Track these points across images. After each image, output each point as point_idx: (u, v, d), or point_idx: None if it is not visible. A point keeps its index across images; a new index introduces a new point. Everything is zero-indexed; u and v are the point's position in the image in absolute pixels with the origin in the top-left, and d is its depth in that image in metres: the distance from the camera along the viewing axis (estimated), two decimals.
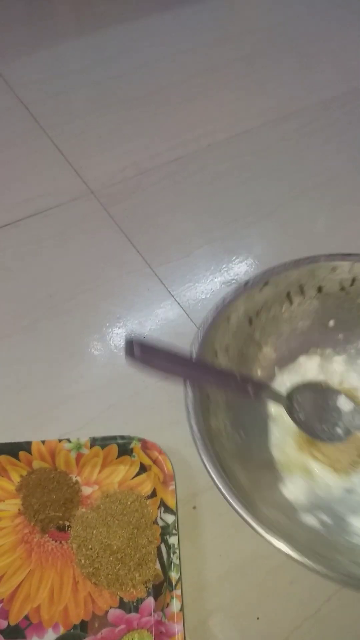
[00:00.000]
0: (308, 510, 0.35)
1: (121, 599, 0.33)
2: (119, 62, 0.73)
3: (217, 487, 0.30)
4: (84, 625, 0.33)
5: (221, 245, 0.54)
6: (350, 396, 0.40)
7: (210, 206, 0.57)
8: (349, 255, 0.40)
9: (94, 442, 0.38)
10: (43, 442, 0.38)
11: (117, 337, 0.47)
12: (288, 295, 0.41)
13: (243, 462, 0.36)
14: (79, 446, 0.38)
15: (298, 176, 0.59)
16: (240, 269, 0.52)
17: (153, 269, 0.52)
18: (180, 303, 0.49)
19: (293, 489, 0.36)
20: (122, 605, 0.33)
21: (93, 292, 0.50)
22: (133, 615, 0.33)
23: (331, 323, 0.43)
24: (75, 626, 0.33)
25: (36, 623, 0.33)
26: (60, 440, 0.38)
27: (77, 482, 0.37)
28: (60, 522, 0.36)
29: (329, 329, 0.43)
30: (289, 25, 0.81)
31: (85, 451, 0.38)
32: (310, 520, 0.34)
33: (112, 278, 0.51)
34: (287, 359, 0.43)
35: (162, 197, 0.58)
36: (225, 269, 0.52)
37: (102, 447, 0.38)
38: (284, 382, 0.41)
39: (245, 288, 0.40)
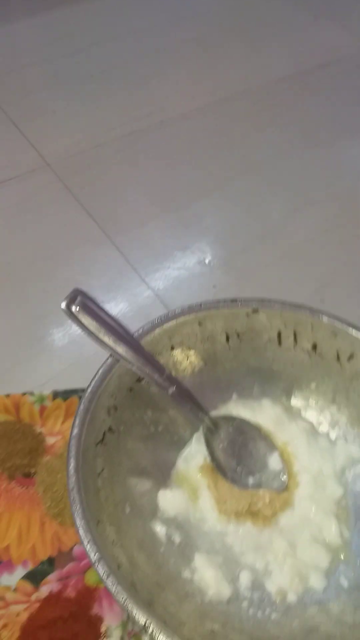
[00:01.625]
0: (166, 522, 0.35)
1: None
2: (72, 41, 0.74)
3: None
4: (51, 561, 0.35)
5: (175, 215, 0.56)
6: (285, 459, 0.38)
7: (164, 179, 0.59)
8: (356, 327, 0.37)
9: (56, 395, 0.40)
10: (7, 395, 0.39)
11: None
12: (279, 335, 0.40)
13: (140, 452, 0.37)
14: (42, 399, 0.40)
15: (246, 152, 0.62)
16: (194, 237, 0.54)
17: (111, 239, 0.53)
18: (138, 270, 0.51)
19: (170, 499, 0.36)
20: None
21: (51, 261, 0.51)
22: None
23: (312, 386, 0.41)
24: (42, 562, 0.35)
25: (6, 561, 0.35)
26: (23, 394, 0.39)
27: (41, 433, 0.39)
28: (27, 469, 0.37)
29: (308, 390, 0.41)
30: (239, 9, 0.83)
31: (48, 404, 0.40)
32: (159, 530, 0.35)
33: (70, 247, 0.52)
34: (249, 394, 0.41)
35: (118, 170, 0.59)
36: (180, 238, 0.54)
37: (64, 399, 0.40)
38: (231, 411, 0.40)
39: (232, 305, 0.39)
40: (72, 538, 0.36)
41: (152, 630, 0.27)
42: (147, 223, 0.55)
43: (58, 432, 0.40)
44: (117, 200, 0.57)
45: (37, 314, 0.48)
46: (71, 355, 0.45)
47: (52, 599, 0.34)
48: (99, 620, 0.33)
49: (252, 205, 0.57)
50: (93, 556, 0.28)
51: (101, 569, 0.28)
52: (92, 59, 0.72)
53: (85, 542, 0.29)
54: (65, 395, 0.41)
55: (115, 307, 0.49)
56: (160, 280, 0.51)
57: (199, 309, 0.39)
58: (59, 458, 0.38)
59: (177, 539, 0.36)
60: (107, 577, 0.28)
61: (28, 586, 0.34)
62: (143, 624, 0.27)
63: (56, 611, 0.33)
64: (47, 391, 0.41)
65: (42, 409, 0.40)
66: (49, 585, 0.34)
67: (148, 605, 0.28)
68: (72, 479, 0.31)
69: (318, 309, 0.39)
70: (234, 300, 0.39)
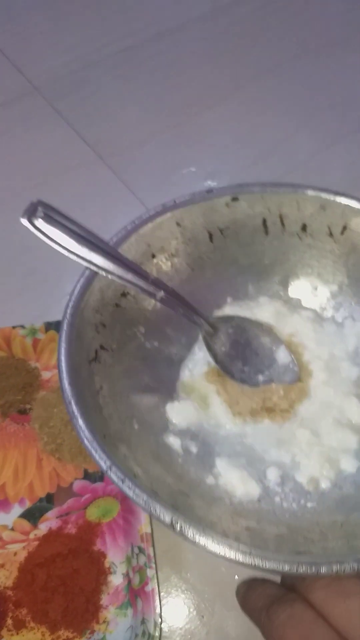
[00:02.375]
0: (179, 434, 0.33)
1: (86, 471, 0.33)
2: None
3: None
4: (50, 498, 0.33)
5: (176, 132, 0.51)
6: (293, 350, 0.36)
7: (162, 94, 0.54)
8: (343, 194, 0.34)
9: (48, 326, 0.37)
10: None
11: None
12: (264, 223, 0.36)
13: (139, 369, 0.34)
14: (33, 331, 0.37)
15: (253, 60, 0.56)
16: (197, 155, 0.49)
17: (105, 161, 0.49)
18: (135, 193, 0.47)
19: (179, 411, 0.34)
20: (87, 476, 0.34)
21: (43, 187, 0.47)
22: (98, 484, 0.33)
23: (309, 271, 0.37)
24: (41, 499, 0.33)
25: (2, 500, 0.33)
26: (14, 327, 0.36)
27: (36, 367, 0.37)
28: (21, 405, 0.35)
29: (305, 277, 0.38)
30: None
31: (41, 336, 0.37)
32: (174, 442, 0.33)
33: (62, 173, 0.48)
34: (244, 294, 0.38)
35: (111, 89, 0.54)
36: (183, 157, 0.49)
37: (58, 330, 0.36)
38: (229, 314, 0.37)
39: (207, 196, 0.35)
40: (72, 473, 0.34)
41: (181, 526, 0.24)
42: (145, 142, 0.50)
43: (54, 366, 0.37)
44: (111, 120, 0.52)
45: (27, 245, 0.44)
46: (65, 285, 0.41)
47: (51, 536, 0.32)
48: (101, 555, 0.31)
49: (258, 117, 0.52)
50: (104, 464, 0.25)
51: (114, 475, 0.25)
52: None
53: (93, 452, 0.26)
54: (58, 326, 0.37)
55: (113, 233, 0.45)
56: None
57: (174, 206, 0.35)
58: (55, 392, 0.35)
59: (193, 449, 0.33)
60: (123, 482, 0.25)
61: (26, 524, 0.32)
62: (169, 521, 0.24)
63: (55, 548, 0.31)
64: (38, 323, 0.38)
65: (35, 343, 0.37)
66: (48, 523, 0.32)
67: (173, 508, 0.26)
68: (68, 393, 0.28)
69: (301, 184, 0.36)
70: (209, 191, 0.36)
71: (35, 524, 0.33)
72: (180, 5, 0.62)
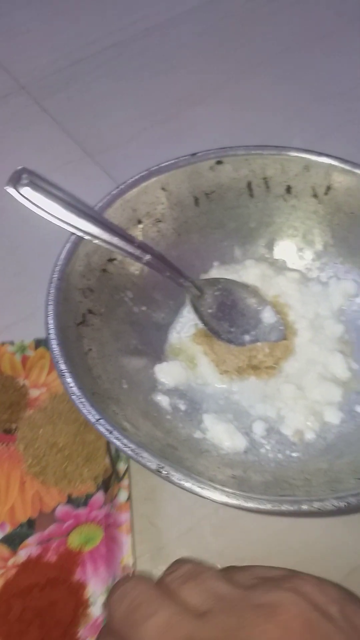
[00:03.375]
0: (168, 393, 0.34)
1: (69, 496, 0.32)
2: None
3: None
4: (31, 523, 0.32)
5: (166, 127, 0.50)
6: (279, 311, 0.36)
7: (151, 90, 0.53)
8: (326, 155, 0.35)
9: (38, 343, 0.36)
10: None
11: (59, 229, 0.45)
12: (249, 186, 0.37)
13: (128, 333, 0.34)
14: (23, 348, 0.36)
15: (244, 53, 0.55)
16: (187, 150, 0.46)
17: (93, 157, 0.48)
18: None
19: (168, 371, 0.34)
20: (71, 501, 0.32)
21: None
22: (82, 510, 0.32)
23: (294, 233, 0.38)
24: (22, 524, 0.32)
25: None
26: (2, 344, 0.36)
27: (24, 385, 0.36)
28: (7, 424, 0.34)
29: (290, 239, 0.38)
30: None
31: (31, 353, 0.36)
32: (162, 401, 0.33)
33: (50, 170, 0.47)
34: (230, 258, 0.39)
35: (99, 85, 0.53)
36: (172, 152, 0.48)
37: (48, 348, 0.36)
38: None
39: (191, 160, 0.35)
40: (55, 498, 0.33)
41: (167, 472, 0.25)
42: (134, 139, 0.50)
43: (43, 384, 0.36)
44: (99, 118, 0.51)
45: (16, 245, 0.44)
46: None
47: (30, 564, 0.30)
48: (81, 587, 0.30)
49: (252, 109, 0.51)
50: (92, 417, 0.26)
51: (102, 428, 0.26)
52: None
53: (81, 406, 0.27)
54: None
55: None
56: None
57: (159, 170, 0.36)
58: (42, 412, 0.35)
59: (182, 406, 0.34)
60: (111, 433, 0.26)
61: (5, 550, 0.31)
62: (156, 467, 0.25)
63: (34, 577, 0.29)
64: (28, 339, 0.37)
65: (25, 359, 0.37)
66: (28, 549, 0.31)
67: (161, 457, 0.26)
68: (56, 352, 0.28)
69: (284, 145, 0.36)
70: (194, 154, 0.36)
71: (15, 550, 0.31)
72: (167, 0, 0.61)
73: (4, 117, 0.52)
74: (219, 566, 0.30)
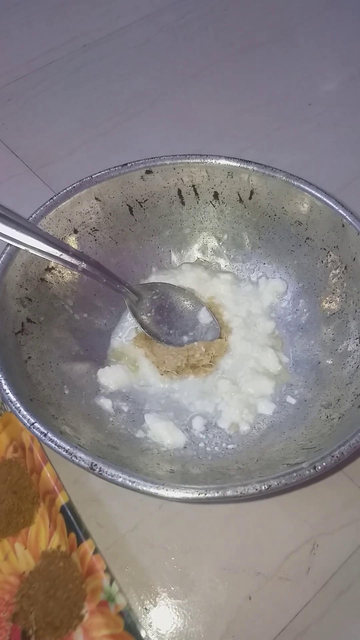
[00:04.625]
0: (110, 396, 0.35)
1: None
2: None
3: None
4: None
5: (105, 139, 0.51)
6: (214, 311, 0.38)
7: (90, 104, 0.54)
8: (247, 162, 0.36)
9: None
10: None
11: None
12: (179, 193, 0.38)
13: (69, 340, 0.35)
14: None
15: (178, 66, 0.57)
16: (128, 160, 0.50)
17: (34, 171, 0.49)
18: None
19: (110, 375, 0.35)
20: None
21: None
22: None
23: (225, 237, 0.40)
24: None
25: None
26: None
27: None
28: None
29: (221, 242, 0.40)
30: None
31: None
32: (105, 404, 0.34)
33: None
34: (167, 263, 0.40)
35: (40, 101, 0.54)
36: (113, 162, 0.48)
37: None
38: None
39: (122, 170, 0.37)
40: None
41: (100, 469, 0.26)
42: (75, 151, 0.51)
43: None
44: (41, 132, 0.52)
45: None
46: None
47: None
48: None
49: (186, 120, 0.53)
50: (27, 421, 0.27)
51: (37, 431, 0.27)
52: None
53: (17, 412, 0.27)
54: None
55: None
56: None
57: (91, 181, 0.37)
58: None
59: (125, 408, 0.35)
60: (45, 436, 0.27)
61: None
62: (89, 465, 0.26)
63: None
64: None
65: None
66: None
67: (98, 457, 0.27)
68: None
69: (207, 154, 0.37)
70: (124, 165, 0.37)
71: None
72: (105, 17, 0.62)
73: None
74: (164, 561, 0.32)
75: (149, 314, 0.38)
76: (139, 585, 0.31)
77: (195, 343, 0.37)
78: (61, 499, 0.32)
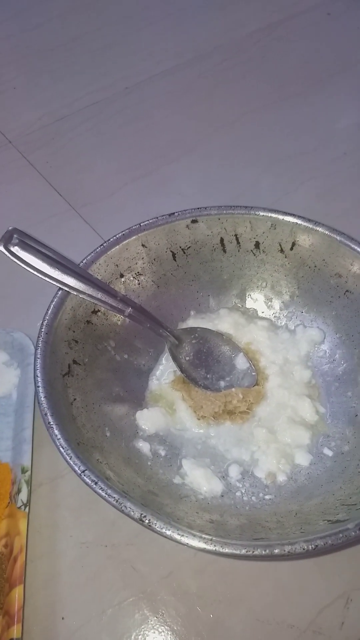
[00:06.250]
0: (148, 439, 0.35)
1: None
2: (30, 16, 0.70)
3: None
4: None
5: (145, 182, 0.53)
6: (251, 357, 0.39)
7: (131, 146, 0.56)
8: (291, 215, 0.37)
9: None
10: None
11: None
12: (222, 242, 0.39)
13: (110, 381, 0.36)
14: None
15: (216, 112, 0.59)
16: (166, 203, 0.50)
17: (77, 210, 0.51)
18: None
19: (148, 418, 0.36)
20: None
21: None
22: None
23: (263, 285, 0.41)
24: None
25: None
26: None
27: None
28: None
29: (260, 289, 0.41)
30: None
31: None
32: (143, 447, 0.35)
33: (36, 222, 0.49)
34: (205, 307, 0.41)
35: (82, 141, 0.56)
36: (152, 205, 0.50)
37: None
38: (193, 326, 0.40)
39: (169, 219, 0.38)
40: None
41: (149, 520, 0.26)
42: (115, 192, 0.52)
43: None
44: (83, 172, 0.54)
45: (4, 294, 0.45)
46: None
47: None
48: None
49: (224, 166, 0.54)
50: (78, 468, 0.27)
51: (88, 479, 0.27)
52: (52, 32, 0.68)
53: (68, 458, 0.28)
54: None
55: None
56: None
57: (139, 229, 0.38)
58: None
59: (162, 452, 0.35)
60: (96, 484, 0.27)
61: None
62: (139, 517, 0.26)
63: None
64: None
65: None
66: None
67: (143, 506, 0.28)
68: (44, 404, 0.30)
69: (253, 206, 0.38)
70: (171, 214, 0.38)
71: None
72: (146, 61, 0.65)
73: None
74: (199, 609, 0.32)
75: (187, 358, 0.38)
76: (174, 633, 0.31)
77: (233, 389, 0.37)
78: (14, 632, 0.29)
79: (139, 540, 0.33)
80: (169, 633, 0.31)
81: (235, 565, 0.33)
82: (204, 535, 0.26)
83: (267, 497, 0.33)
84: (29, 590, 0.32)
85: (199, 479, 0.33)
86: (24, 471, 0.34)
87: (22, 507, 0.33)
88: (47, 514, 0.35)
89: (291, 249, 0.39)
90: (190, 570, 0.33)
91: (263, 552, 0.25)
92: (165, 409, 0.37)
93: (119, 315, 0.37)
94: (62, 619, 0.32)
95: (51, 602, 0.32)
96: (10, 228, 0.34)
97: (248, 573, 0.33)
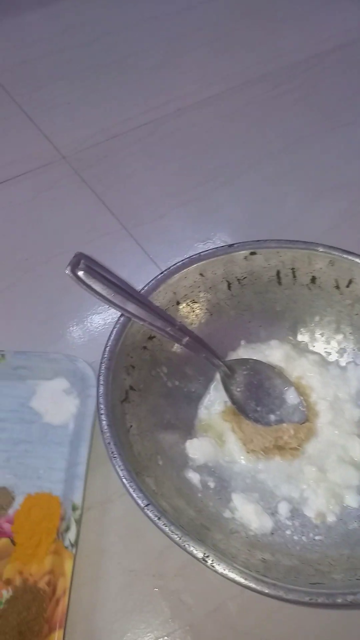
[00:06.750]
0: (198, 470, 0.35)
1: None
2: (84, 31, 0.71)
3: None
4: None
5: (194, 206, 0.53)
6: (301, 392, 0.38)
7: (181, 169, 0.56)
8: (350, 253, 0.37)
9: None
10: None
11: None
12: (278, 274, 0.39)
13: (162, 407, 0.36)
14: None
15: (264, 139, 0.59)
16: (215, 228, 0.52)
17: (128, 230, 0.51)
18: (157, 263, 0.49)
19: (198, 447, 0.36)
20: None
21: (69, 255, 0.48)
22: None
23: (316, 319, 0.41)
24: None
25: None
26: None
27: None
28: None
29: (313, 323, 0.41)
30: None
31: None
32: (193, 477, 0.35)
33: (87, 241, 0.50)
34: (256, 337, 0.41)
35: (134, 161, 0.57)
36: (201, 230, 0.51)
37: None
38: (241, 356, 0.40)
39: (228, 250, 0.38)
40: None
41: (212, 562, 0.26)
42: (165, 214, 0.53)
43: None
44: (134, 191, 0.54)
45: (55, 311, 0.46)
46: (92, 354, 0.41)
47: None
48: None
49: (273, 193, 0.55)
50: (141, 502, 0.28)
51: (151, 513, 0.27)
52: (105, 49, 0.69)
53: (131, 491, 0.28)
54: None
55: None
56: None
57: (199, 259, 0.38)
58: None
59: (211, 484, 0.35)
60: (159, 519, 0.27)
61: None
62: (202, 557, 0.26)
63: None
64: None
65: None
66: None
67: (200, 541, 0.28)
68: (107, 434, 0.30)
69: (313, 242, 0.39)
70: (231, 245, 0.39)
71: None
72: (198, 83, 0.65)
73: (45, 185, 0.54)
74: None
75: (239, 389, 0.38)
76: None
77: (284, 424, 0.37)
78: None
79: (187, 572, 0.33)
80: None
81: (281, 604, 0.33)
82: (267, 579, 0.26)
83: (317, 537, 0.33)
84: (73, 616, 0.32)
85: (250, 515, 0.33)
86: (74, 509, 0.34)
87: (70, 547, 0.33)
88: (96, 539, 0.35)
89: (347, 286, 0.39)
90: (236, 607, 0.33)
91: (326, 601, 0.25)
92: (215, 439, 0.37)
93: (172, 342, 0.37)
94: None
95: (93, 629, 0.32)
96: (77, 253, 0.34)
97: (294, 614, 0.33)
